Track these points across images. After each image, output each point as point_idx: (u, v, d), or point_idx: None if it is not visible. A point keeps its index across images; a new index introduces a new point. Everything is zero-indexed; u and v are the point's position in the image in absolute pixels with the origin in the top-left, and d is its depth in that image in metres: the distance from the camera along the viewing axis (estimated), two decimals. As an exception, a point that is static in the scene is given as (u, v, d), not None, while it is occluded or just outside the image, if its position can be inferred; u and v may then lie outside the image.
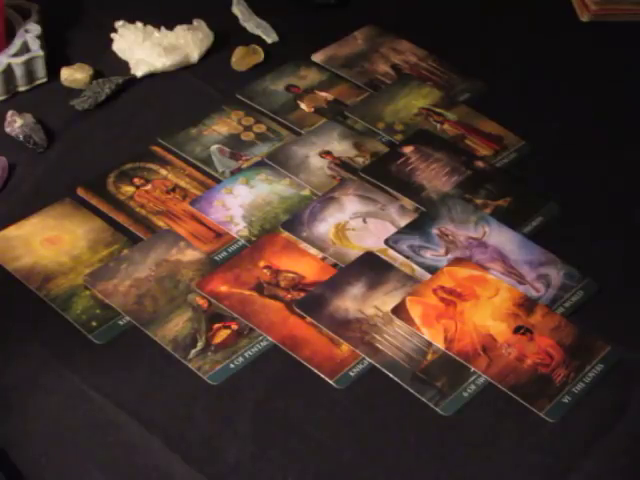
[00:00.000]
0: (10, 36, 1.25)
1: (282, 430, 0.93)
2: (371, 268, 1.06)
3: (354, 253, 1.08)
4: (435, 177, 1.17)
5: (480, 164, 1.20)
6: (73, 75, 1.26)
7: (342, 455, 0.92)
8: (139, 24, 1.32)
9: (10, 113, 1.19)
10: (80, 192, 1.13)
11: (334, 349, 0.99)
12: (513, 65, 1.35)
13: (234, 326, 1.00)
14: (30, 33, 1.25)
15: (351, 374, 0.97)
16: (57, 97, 1.25)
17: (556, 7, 1.46)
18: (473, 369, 0.98)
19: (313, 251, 1.08)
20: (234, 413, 0.94)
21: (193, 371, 0.96)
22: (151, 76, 1.29)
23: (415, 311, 1.02)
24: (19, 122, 1.17)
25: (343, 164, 1.18)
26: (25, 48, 1.24)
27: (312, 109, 1.26)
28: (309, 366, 0.98)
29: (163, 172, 1.16)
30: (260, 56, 1.32)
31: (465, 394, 0.96)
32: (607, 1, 1.44)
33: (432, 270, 1.06)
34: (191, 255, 1.07)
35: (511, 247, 1.10)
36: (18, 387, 0.95)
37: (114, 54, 1.32)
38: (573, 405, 0.96)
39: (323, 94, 1.28)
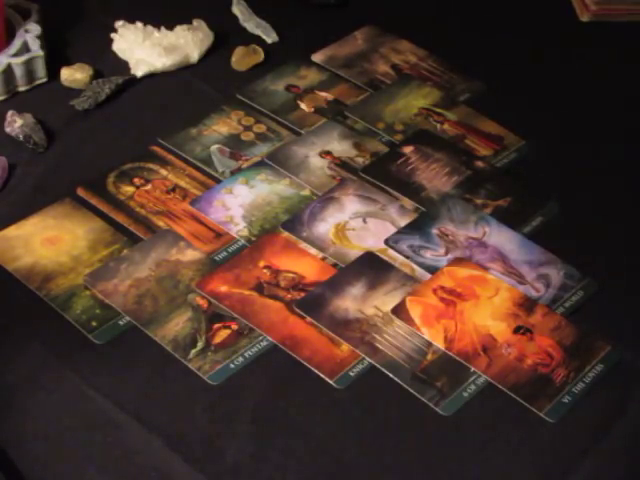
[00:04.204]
0: (10, 36, 1.25)
1: (282, 430, 0.93)
2: (371, 268, 1.06)
3: (354, 253, 1.08)
4: (435, 177, 1.17)
5: (480, 164, 1.20)
6: (73, 75, 1.26)
7: (342, 455, 0.92)
8: (139, 24, 1.32)
9: (10, 113, 1.19)
10: (80, 192, 1.13)
11: (334, 349, 0.99)
12: (513, 65, 1.35)
13: (234, 326, 1.00)
14: (30, 33, 1.25)
15: (351, 374, 0.97)
16: (57, 97, 1.25)
17: (556, 7, 1.46)
18: (473, 369, 0.98)
19: (313, 251, 1.08)
20: (234, 413, 0.94)
21: (193, 371, 0.97)
22: (151, 76, 1.29)
23: (415, 311, 1.02)
24: (19, 122, 1.17)
25: (343, 164, 1.18)
26: (25, 48, 1.24)
27: (312, 109, 1.26)
28: (309, 366, 0.98)
29: (163, 172, 1.16)
30: (260, 56, 1.32)
31: (465, 394, 0.96)
32: (607, 1, 1.44)
33: (432, 270, 1.06)
34: (191, 255, 1.07)
35: (511, 247, 1.10)
36: (18, 387, 0.95)
37: (114, 54, 1.32)
38: (573, 405, 0.96)
39: (323, 94, 1.28)
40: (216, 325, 1.00)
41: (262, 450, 0.92)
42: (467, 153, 1.21)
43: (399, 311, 1.02)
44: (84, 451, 0.91)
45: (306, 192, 1.15)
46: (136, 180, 1.14)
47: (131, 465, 0.90)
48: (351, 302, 1.03)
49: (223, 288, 1.03)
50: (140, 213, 1.11)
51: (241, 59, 1.31)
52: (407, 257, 1.08)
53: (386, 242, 1.09)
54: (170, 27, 1.31)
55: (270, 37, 1.36)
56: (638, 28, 1.43)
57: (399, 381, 0.97)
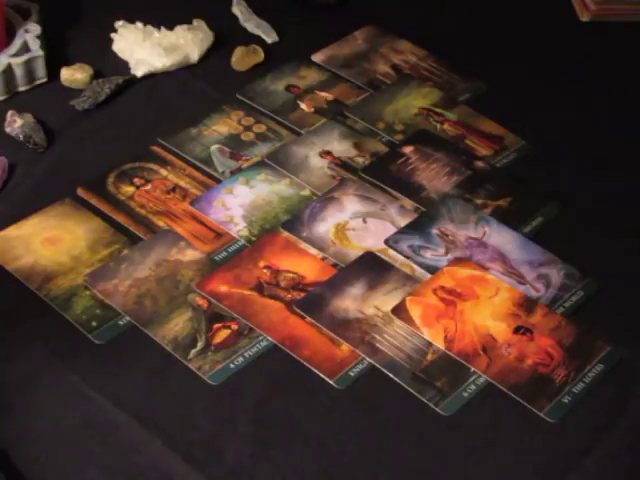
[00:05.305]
0: (10, 36, 1.25)
1: (282, 430, 0.93)
2: (371, 268, 1.06)
3: (354, 253, 1.08)
4: (435, 177, 1.17)
5: (480, 164, 1.20)
6: (73, 75, 1.26)
7: (342, 455, 0.92)
8: (139, 24, 1.32)
9: (10, 113, 1.19)
10: (80, 192, 1.13)
11: (334, 349, 0.99)
12: (513, 65, 1.35)
13: (234, 326, 1.00)
14: (30, 33, 1.25)
15: (351, 374, 0.97)
16: (57, 97, 1.25)
17: (556, 7, 1.46)
18: (473, 369, 0.98)
19: (313, 251, 1.08)
20: (234, 413, 0.94)
21: (193, 371, 0.97)
22: (151, 76, 1.29)
23: (415, 311, 1.02)
24: (19, 122, 1.18)
25: (343, 164, 1.18)
26: (25, 48, 1.24)
27: (312, 109, 1.26)
28: (309, 366, 0.98)
29: (163, 172, 1.16)
30: (260, 56, 1.32)
31: (465, 394, 0.96)
32: (607, 1, 1.44)
33: (432, 270, 1.06)
34: (191, 255, 1.07)
35: (511, 247, 1.10)
36: (18, 387, 0.95)
37: (114, 54, 1.32)
38: (573, 405, 0.96)
39: (323, 94, 1.28)
40: (216, 325, 1.00)
41: (262, 450, 0.92)
42: (467, 153, 1.21)
43: (399, 311, 1.02)
44: (84, 451, 0.91)
45: (306, 192, 1.15)
46: (136, 180, 1.14)
47: (131, 465, 0.90)
48: (351, 302, 1.03)
49: (223, 288, 1.03)
50: (140, 213, 1.11)
51: (241, 59, 1.31)
52: (407, 257, 1.08)
53: (386, 242, 1.09)
54: (170, 27, 1.31)
55: (270, 37, 1.36)
56: (638, 28, 1.43)
57: (399, 381, 0.97)
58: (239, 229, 1.10)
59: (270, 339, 0.99)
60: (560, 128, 1.26)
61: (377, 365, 0.98)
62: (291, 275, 1.05)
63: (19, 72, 1.23)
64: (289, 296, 1.03)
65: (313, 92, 1.29)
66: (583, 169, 1.21)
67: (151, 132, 1.21)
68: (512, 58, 1.36)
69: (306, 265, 1.06)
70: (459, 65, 1.34)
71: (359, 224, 1.11)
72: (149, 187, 1.14)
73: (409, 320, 1.01)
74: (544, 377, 0.98)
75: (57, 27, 1.33)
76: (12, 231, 1.08)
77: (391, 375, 0.97)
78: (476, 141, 1.23)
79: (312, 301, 1.03)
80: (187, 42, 1.30)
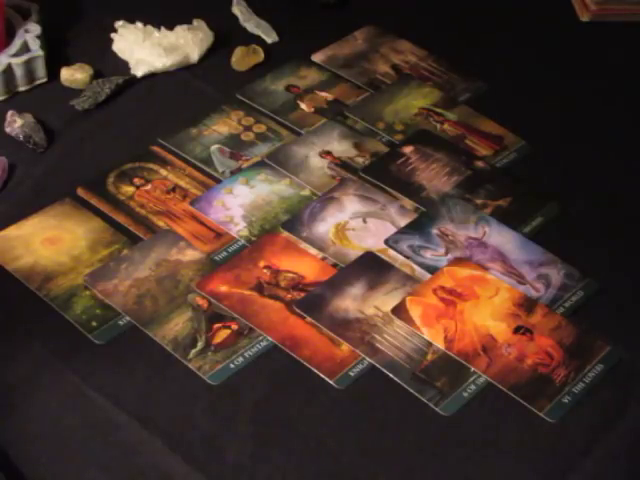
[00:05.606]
0: (10, 36, 1.25)
1: (282, 430, 0.93)
2: (371, 268, 1.06)
3: (354, 253, 1.08)
4: (435, 177, 1.17)
5: (480, 164, 1.20)
6: (73, 75, 1.26)
7: (342, 455, 0.92)
8: (139, 24, 1.32)
9: (10, 113, 1.19)
10: (80, 192, 1.13)
11: (334, 349, 0.99)
12: (513, 65, 1.35)
13: (234, 326, 1.00)
14: (30, 33, 1.25)
15: (351, 374, 0.97)
16: (57, 97, 1.25)
17: (556, 7, 1.46)
18: (473, 369, 0.98)
19: (313, 251, 1.08)
20: (234, 413, 0.94)
21: (193, 371, 0.97)
22: (151, 76, 1.29)
23: (415, 311, 1.02)
24: (19, 122, 1.18)
25: (343, 164, 1.18)
26: (25, 48, 1.24)
27: (312, 109, 1.26)
28: (309, 366, 0.98)
29: (163, 172, 1.16)
30: (260, 56, 1.32)
31: (465, 394, 0.96)
32: (607, 1, 1.44)
33: (432, 270, 1.06)
34: (191, 255, 1.07)
35: (511, 247, 1.10)
36: (18, 387, 0.95)
37: (114, 54, 1.32)
38: (573, 405, 0.96)
39: (323, 94, 1.28)
40: (216, 325, 1.00)
41: (262, 450, 0.92)
42: (467, 153, 1.21)
43: (399, 311, 1.02)
44: (84, 451, 0.91)
45: (306, 192, 1.15)
46: (136, 180, 1.14)
47: (131, 465, 0.90)
48: (351, 302, 1.03)
49: (223, 288, 1.03)
50: (140, 213, 1.11)
51: (241, 59, 1.31)
52: (407, 257, 1.08)
53: (386, 242, 1.09)
54: (170, 27, 1.31)
55: (270, 37, 1.36)
56: (638, 28, 1.43)
57: (399, 381, 0.97)
58: (239, 229, 1.10)
59: (270, 339, 0.99)
60: (560, 128, 1.26)
61: (377, 365, 0.98)
62: (291, 275, 1.05)
63: (19, 72, 1.23)
64: (289, 296, 1.03)
65: (313, 92, 1.29)
66: (583, 169, 1.21)
67: (151, 132, 1.21)
68: (512, 58, 1.36)
69: (306, 265, 1.06)
70: (459, 65, 1.34)
71: (359, 224, 1.11)
72: (149, 187, 1.14)
73: (409, 320, 1.01)
74: (544, 377, 0.98)
75: (57, 27, 1.33)
76: (12, 231, 1.08)
77: (391, 375, 0.97)
78: (476, 141, 1.23)
79: (312, 301, 1.03)
80: (187, 42, 1.30)
